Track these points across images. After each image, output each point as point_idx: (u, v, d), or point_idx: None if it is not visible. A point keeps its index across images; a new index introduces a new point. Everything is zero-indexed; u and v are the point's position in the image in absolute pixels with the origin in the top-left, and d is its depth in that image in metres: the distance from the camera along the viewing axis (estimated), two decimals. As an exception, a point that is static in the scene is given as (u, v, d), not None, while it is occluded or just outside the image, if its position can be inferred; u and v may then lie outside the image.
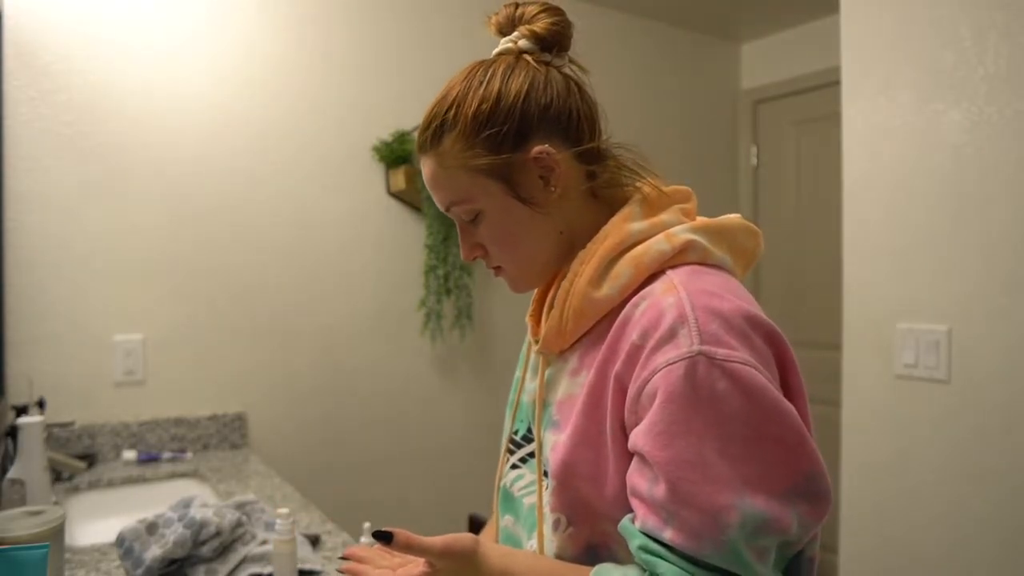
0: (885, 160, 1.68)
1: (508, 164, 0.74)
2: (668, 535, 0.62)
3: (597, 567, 0.68)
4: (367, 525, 1.15)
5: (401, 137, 2.34)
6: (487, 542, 0.72)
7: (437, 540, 0.68)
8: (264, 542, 1.19)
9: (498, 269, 0.82)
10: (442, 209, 0.80)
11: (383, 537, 0.66)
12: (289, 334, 2.22)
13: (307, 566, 1.17)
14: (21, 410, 1.63)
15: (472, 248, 0.81)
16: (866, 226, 1.72)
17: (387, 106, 2.37)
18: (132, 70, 1.98)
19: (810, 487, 0.64)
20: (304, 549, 1.24)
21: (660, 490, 0.62)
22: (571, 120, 0.76)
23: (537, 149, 0.74)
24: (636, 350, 0.67)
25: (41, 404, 1.70)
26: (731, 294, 0.68)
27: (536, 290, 0.88)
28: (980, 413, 1.52)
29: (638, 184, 0.79)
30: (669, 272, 0.71)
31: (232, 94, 2.12)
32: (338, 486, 2.26)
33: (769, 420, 0.63)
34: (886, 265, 1.68)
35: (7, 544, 0.88)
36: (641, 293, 0.71)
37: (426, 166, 0.78)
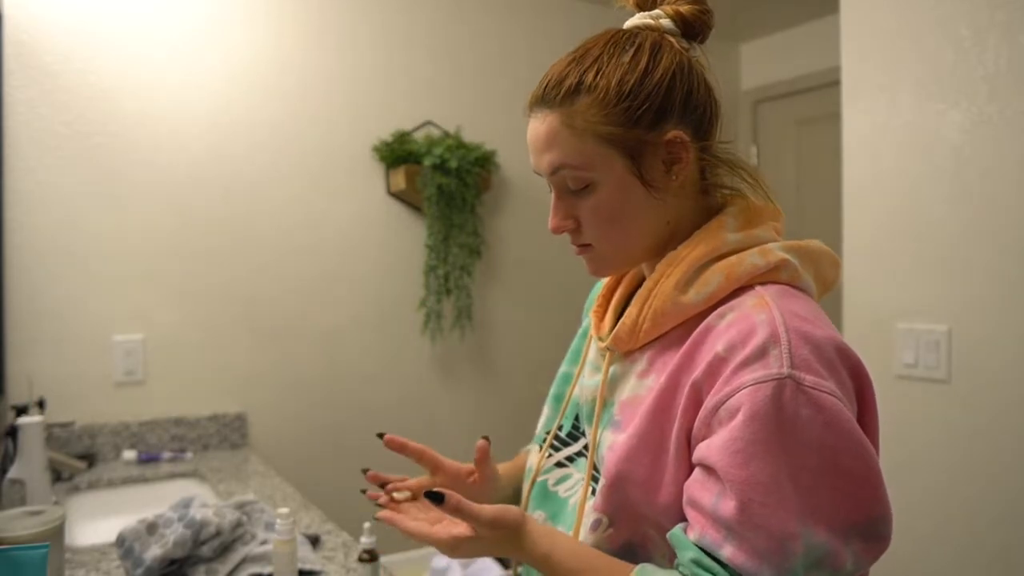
0: (885, 160, 1.68)
1: (640, 141, 0.71)
2: (727, 552, 0.61)
3: (640, 566, 0.67)
4: (367, 525, 1.15)
5: (401, 137, 2.34)
6: (532, 519, 0.72)
7: (487, 509, 0.68)
8: (264, 542, 1.19)
9: (584, 247, 0.77)
10: (544, 171, 0.75)
11: (435, 497, 0.67)
12: (289, 334, 2.22)
13: (307, 566, 1.17)
14: (21, 410, 1.62)
15: (564, 219, 0.76)
16: (866, 226, 1.72)
17: (387, 106, 2.37)
18: (132, 70, 1.98)
19: (871, 528, 0.63)
20: (304, 549, 1.24)
21: (728, 507, 0.61)
22: (704, 112, 0.74)
23: (673, 133, 0.71)
24: (720, 362, 0.65)
25: (41, 404, 1.70)
26: (821, 321, 0.67)
27: (602, 286, 0.87)
28: (980, 413, 1.52)
29: (741, 189, 0.77)
30: (759, 288, 0.69)
31: (232, 94, 2.12)
32: (338, 486, 2.26)
33: (846, 454, 0.62)
34: (886, 265, 1.68)
35: (7, 544, 0.88)
36: (728, 304, 0.69)
37: (545, 121, 0.73)
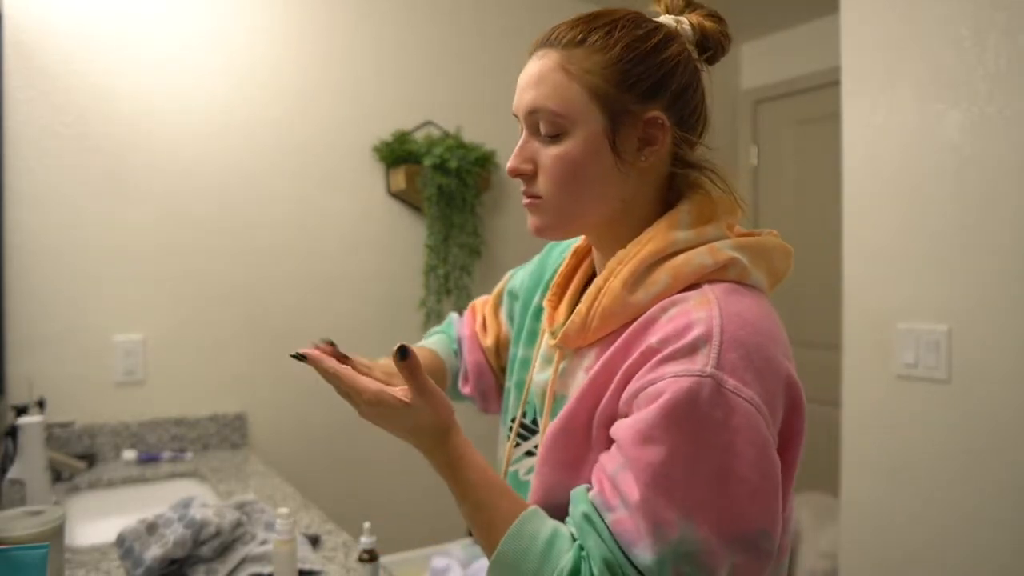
0: (885, 160, 1.68)
1: (625, 109, 0.72)
2: (613, 517, 0.64)
3: (531, 508, 0.70)
4: (367, 525, 1.15)
5: (401, 137, 2.34)
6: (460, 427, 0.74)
7: (436, 388, 0.71)
8: (264, 542, 1.19)
9: (533, 200, 0.76)
10: (523, 109, 0.75)
11: (402, 352, 0.68)
12: (289, 333, 2.21)
13: (307, 566, 1.17)
14: (21, 410, 1.63)
15: (524, 162, 0.75)
16: (866, 226, 1.72)
17: (387, 106, 2.37)
18: (132, 71, 1.98)
19: (757, 542, 0.63)
20: (304, 549, 1.24)
21: (625, 479, 0.64)
22: (693, 112, 0.76)
23: (655, 113, 0.72)
24: (651, 352, 0.66)
25: (41, 404, 1.70)
26: (762, 326, 0.68)
27: (557, 274, 0.87)
28: (980, 413, 1.52)
29: (703, 186, 0.77)
30: (707, 286, 0.69)
31: (232, 94, 2.12)
32: (338, 486, 2.26)
33: (746, 464, 0.62)
34: (886, 265, 1.68)
35: (7, 544, 0.88)
36: (672, 299, 0.70)
37: (543, 60, 0.74)
